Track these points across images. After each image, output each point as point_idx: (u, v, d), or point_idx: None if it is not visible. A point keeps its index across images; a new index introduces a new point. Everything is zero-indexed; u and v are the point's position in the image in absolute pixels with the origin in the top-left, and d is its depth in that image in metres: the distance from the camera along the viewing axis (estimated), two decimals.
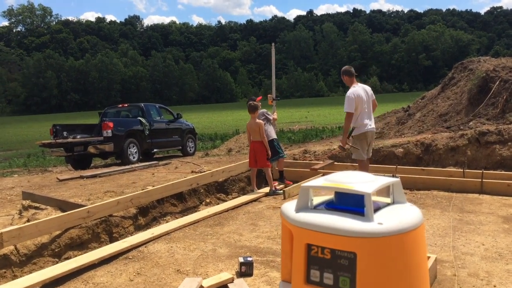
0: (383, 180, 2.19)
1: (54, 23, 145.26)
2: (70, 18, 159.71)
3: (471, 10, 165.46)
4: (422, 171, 7.17)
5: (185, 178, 7.00)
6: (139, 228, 5.88)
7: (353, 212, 1.97)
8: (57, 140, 11.19)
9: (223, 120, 42.51)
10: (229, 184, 7.76)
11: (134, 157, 11.83)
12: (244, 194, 7.46)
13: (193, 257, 4.27)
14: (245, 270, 3.78)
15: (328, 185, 2.12)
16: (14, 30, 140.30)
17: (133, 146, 11.92)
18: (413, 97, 15.37)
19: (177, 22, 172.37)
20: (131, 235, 5.37)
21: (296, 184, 7.16)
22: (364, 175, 2.24)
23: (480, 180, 6.29)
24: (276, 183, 7.50)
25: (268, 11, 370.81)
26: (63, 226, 4.98)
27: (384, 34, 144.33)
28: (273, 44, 9.06)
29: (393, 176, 5.84)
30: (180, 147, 14.18)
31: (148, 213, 6.21)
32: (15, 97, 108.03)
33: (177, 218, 6.15)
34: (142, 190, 6.33)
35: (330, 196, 2.27)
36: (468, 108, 10.61)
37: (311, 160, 8.71)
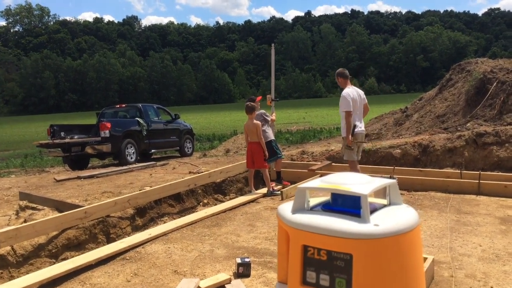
0: (380, 182, 2.19)
1: (52, 23, 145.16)
2: (68, 18, 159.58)
3: (468, 11, 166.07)
4: (419, 172, 7.18)
5: (183, 179, 6.99)
6: (137, 228, 5.87)
7: (349, 214, 1.96)
8: (54, 141, 11.16)
9: (221, 120, 42.51)
10: (227, 185, 7.75)
11: (131, 158, 11.82)
12: (241, 195, 7.46)
13: (190, 258, 4.26)
14: (243, 271, 3.77)
15: (324, 187, 2.12)
16: (11, 30, 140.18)
17: (131, 147, 11.91)
18: (411, 98, 15.41)
19: (175, 23, 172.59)
20: (129, 236, 5.36)
21: (294, 185, 7.16)
22: (360, 176, 2.24)
23: (477, 181, 6.30)
24: (274, 184, 7.49)
25: (266, 12, 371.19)
26: (60, 227, 4.96)
27: (382, 35, 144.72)
28: (272, 44, 9.08)
29: (390, 177, 5.87)
30: (178, 147, 14.17)
31: (145, 213, 6.20)
32: (13, 97, 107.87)
33: (174, 218, 6.14)
34: (139, 190, 6.32)
35: (326, 198, 2.27)
36: (466, 109, 10.64)
37: (308, 161, 8.71)
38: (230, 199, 7.28)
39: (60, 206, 5.88)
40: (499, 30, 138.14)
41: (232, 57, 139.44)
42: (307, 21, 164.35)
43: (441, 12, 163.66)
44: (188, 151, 14.39)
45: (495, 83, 10.24)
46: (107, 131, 11.29)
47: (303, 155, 9.15)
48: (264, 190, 7.21)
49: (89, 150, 11.17)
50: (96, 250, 4.58)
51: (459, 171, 6.88)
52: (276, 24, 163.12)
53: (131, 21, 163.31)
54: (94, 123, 12.68)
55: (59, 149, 11.50)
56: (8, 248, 4.44)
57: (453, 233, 4.63)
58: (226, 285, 3.53)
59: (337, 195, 2.11)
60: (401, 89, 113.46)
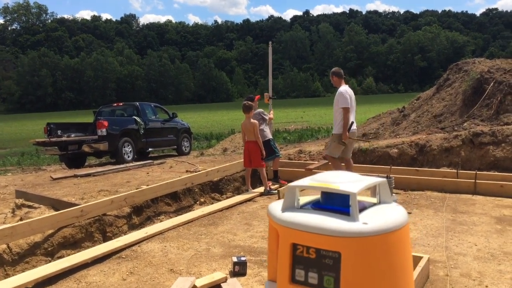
0: (369, 180, 2.20)
1: (49, 21, 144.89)
2: (65, 16, 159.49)
3: (466, 11, 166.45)
4: (416, 171, 7.19)
5: (180, 178, 6.98)
6: (133, 227, 5.86)
7: (339, 212, 1.97)
8: (51, 139, 11.13)
9: (219, 119, 42.50)
10: (224, 183, 7.75)
11: (128, 156, 11.80)
12: (238, 193, 7.46)
13: (186, 257, 4.26)
14: (239, 270, 3.77)
15: (314, 185, 2.12)
16: (9, 28, 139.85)
17: (128, 145, 11.89)
18: (409, 98, 15.43)
19: (173, 21, 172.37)
20: (125, 234, 5.36)
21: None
22: (350, 175, 2.24)
23: (474, 181, 6.32)
24: (271, 183, 7.50)
25: (265, 11, 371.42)
26: (56, 225, 4.96)
27: (380, 35, 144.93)
28: (270, 43, 9.07)
29: (387, 176, 5.88)
30: (175, 146, 14.15)
31: (142, 212, 6.19)
32: (10, 95, 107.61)
33: (171, 217, 6.13)
34: (136, 189, 6.31)
35: (317, 196, 2.27)
36: (463, 109, 10.65)
37: (306, 160, 8.72)
38: (227, 198, 7.28)
39: (56, 204, 5.87)
40: (497, 30, 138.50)
41: (230, 56, 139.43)
42: (305, 21, 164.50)
43: (439, 12, 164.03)
44: (185, 150, 14.38)
45: (492, 83, 10.26)
46: (104, 130, 11.27)
47: (300, 154, 9.15)
48: (261, 189, 7.21)
49: (86, 148, 11.15)
50: (92, 248, 4.58)
51: (456, 170, 6.91)
52: (274, 23, 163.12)
53: (129, 20, 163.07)
54: (91, 122, 12.65)
55: (56, 147, 11.48)
56: (4, 246, 4.44)
57: (449, 232, 4.64)
58: (222, 284, 3.53)
59: (326, 193, 2.12)
60: (399, 89, 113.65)
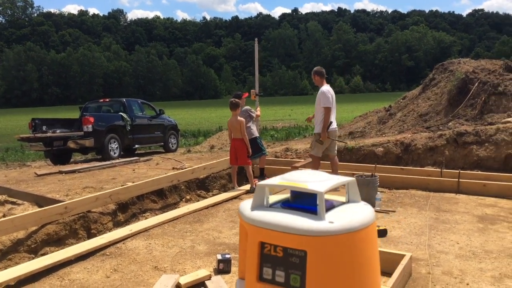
0: (338, 179, 2.21)
1: (35, 15, 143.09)
2: (52, 10, 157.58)
3: (453, 12, 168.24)
4: (401, 170, 7.26)
5: (166, 175, 6.97)
6: (118, 224, 5.83)
7: (307, 211, 1.98)
8: (36, 135, 10.99)
9: (207, 116, 42.37)
10: (210, 181, 7.74)
11: (115, 153, 11.70)
12: (225, 191, 7.46)
13: (171, 254, 4.25)
14: (223, 267, 3.78)
15: (283, 184, 2.13)
16: None
17: (114, 142, 11.78)
18: (396, 97, 15.54)
19: (162, 17, 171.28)
20: (110, 232, 5.33)
21: None
22: (319, 174, 2.26)
23: (457, 180, 6.40)
24: (257, 181, 7.50)
25: (253, 8, 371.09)
26: (39, 222, 4.91)
27: (368, 34, 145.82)
28: (256, 39, 9.09)
29: (372, 175, 5.92)
30: (162, 143, 14.07)
31: (127, 209, 6.16)
32: None
33: (157, 214, 6.12)
34: (121, 186, 6.28)
35: (288, 195, 2.28)
36: (448, 108, 10.77)
37: (292, 158, 8.74)
38: (213, 195, 7.28)
39: (40, 201, 5.81)
40: (483, 31, 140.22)
41: (218, 53, 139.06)
42: (294, 18, 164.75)
43: (427, 12, 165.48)
44: (172, 146, 14.30)
45: (476, 83, 10.39)
46: (90, 126, 11.14)
47: (287, 152, 9.18)
48: (247, 187, 7.22)
49: (71, 144, 11.03)
50: (76, 245, 4.54)
51: (440, 169, 6.98)
52: (263, 20, 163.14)
53: (116, 15, 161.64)
54: (77, 118, 12.51)
55: (41, 143, 11.33)
56: None
57: (432, 230, 4.70)
58: (206, 282, 3.54)
59: (296, 192, 2.13)
60: (386, 88, 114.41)
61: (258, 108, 8.15)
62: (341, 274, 1.90)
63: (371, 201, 5.66)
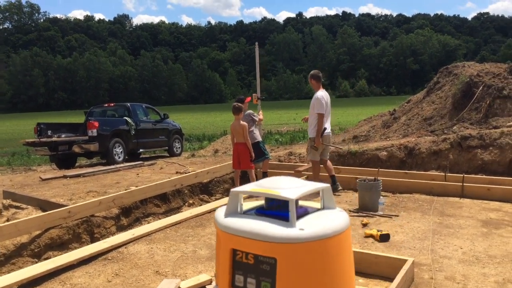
0: (312, 186, 2.19)
1: (42, 20, 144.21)
2: (58, 15, 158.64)
3: (458, 15, 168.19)
4: (405, 174, 7.23)
5: (169, 179, 6.98)
6: (122, 228, 5.84)
7: (280, 218, 1.96)
8: (41, 139, 11.05)
9: (212, 121, 42.45)
10: (214, 185, 7.74)
11: (119, 157, 11.75)
12: (228, 195, 7.44)
13: (173, 259, 4.25)
14: None
15: (256, 191, 2.12)
16: (1, 27, 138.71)
17: (119, 146, 11.83)
18: (401, 101, 15.51)
19: (167, 22, 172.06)
20: (113, 236, 5.33)
21: None
22: (294, 180, 2.23)
23: (461, 184, 6.36)
24: None
25: (258, 13, 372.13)
26: (43, 226, 4.94)
27: (372, 37, 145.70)
28: (256, 43, 9.13)
29: (375, 179, 5.89)
30: (167, 147, 14.11)
31: (131, 213, 6.17)
32: (1, 95, 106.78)
33: (160, 218, 6.12)
34: (125, 190, 6.29)
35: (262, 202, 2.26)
36: (452, 112, 10.73)
37: (295, 163, 8.73)
38: (216, 199, 7.28)
39: (44, 205, 5.84)
40: (488, 34, 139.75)
41: (223, 57, 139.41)
42: (298, 23, 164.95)
43: (431, 15, 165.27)
44: (177, 151, 14.34)
45: (481, 87, 10.35)
46: (94, 130, 11.20)
47: (290, 157, 9.17)
48: None
49: (76, 149, 11.08)
50: (78, 250, 4.55)
51: (444, 173, 6.94)
52: (267, 25, 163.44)
53: (122, 20, 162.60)
54: (82, 122, 12.58)
55: (46, 147, 11.40)
56: None
57: (435, 235, 4.67)
58: (207, 286, 3.53)
59: (270, 199, 2.11)
60: (391, 91, 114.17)
61: (261, 112, 8.16)
62: (312, 281, 1.88)
63: (374, 205, 5.65)
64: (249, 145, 7.06)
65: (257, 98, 8.36)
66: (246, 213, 2.11)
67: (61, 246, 5.11)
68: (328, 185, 2.26)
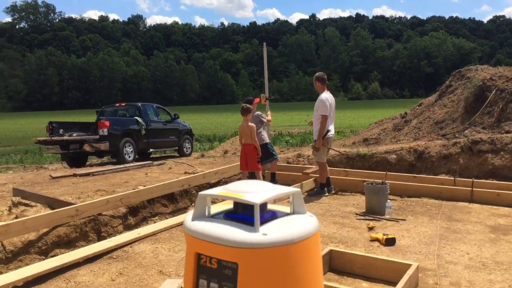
0: (281, 190, 2.17)
1: (57, 20, 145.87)
2: (73, 16, 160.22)
3: (474, 18, 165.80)
4: (413, 178, 7.16)
5: (177, 179, 7.01)
6: (129, 227, 5.87)
7: (247, 222, 1.94)
8: (52, 138, 11.19)
9: (223, 121, 42.54)
10: (221, 186, 7.74)
11: (129, 157, 11.83)
12: None
13: (177, 258, 4.26)
14: None
15: (222, 194, 2.10)
16: (17, 27, 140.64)
17: (129, 146, 11.92)
18: (413, 104, 15.36)
19: (180, 23, 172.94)
20: (120, 235, 5.37)
21: None
22: (262, 184, 2.21)
23: (470, 188, 6.28)
24: None
25: (271, 14, 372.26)
26: (50, 224, 4.98)
27: (386, 40, 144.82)
28: (264, 43, 9.16)
29: (382, 183, 5.85)
30: (177, 147, 14.18)
31: (138, 213, 6.21)
32: (16, 94, 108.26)
33: (167, 218, 6.14)
34: (133, 189, 6.33)
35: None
36: (464, 116, 10.61)
37: (304, 164, 8.71)
38: (223, 200, 7.27)
39: (52, 203, 5.90)
40: (504, 37, 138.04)
41: (236, 58, 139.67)
42: (311, 24, 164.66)
43: (446, 18, 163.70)
44: (187, 151, 14.40)
45: (494, 91, 10.22)
46: (105, 130, 11.30)
47: (299, 158, 9.15)
48: None
49: (87, 148, 11.19)
50: (84, 248, 4.59)
51: (453, 178, 6.87)
52: (280, 26, 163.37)
53: (136, 20, 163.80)
54: (94, 121, 12.70)
55: (57, 146, 11.53)
56: None
57: (442, 240, 4.62)
58: None
59: (238, 203, 2.09)
60: (404, 94, 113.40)
61: (269, 113, 8.15)
62: (274, 286, 1.87)
63: (381, 209, 5.60)
64: (257, 146, 7.07)
65: (265, 99, 8.37)
66: (214, 217, 2.10)
67: (68, 244, 5.15)
68: (299, 189, 2.23)
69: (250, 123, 7.07)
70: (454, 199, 6.34)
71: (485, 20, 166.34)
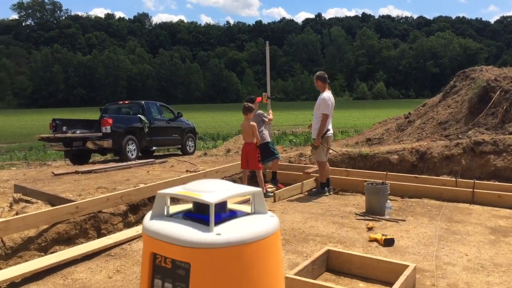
0: (241, 190, 2.15)
1: (63, 18, 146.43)
2: (79, 13, 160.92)
3: (480, 18, 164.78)
4: (415, 178, 7.13)
5: (179, 177, 7.02)
6: (129, 225, 5.89)
7: (204, 222, 1.93)
8: (55, 135, 11.26)
9: (227, 120, 42.57)
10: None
11: (132, 154, 11.86)
12: None
13: None
14: None
15: (180, 193, 2.08)
16: (23, 24, 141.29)
17: (132, 143, 11.95)
18: (418, 104, 15.30)
19: (185, 21, 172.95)
20: (119, 232, 5.38)
21: (287, 187, 7.15)
22: (221, 184, 2.19)
23: (472, 190, 6.25)
24: (268, 185, 7.50)
25: (277, 13, 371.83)
26: (50, 221, 4.99)
27: (392, 39, 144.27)
28: (267, 42, 9.16)
29: (382, 183, 5.83)
30: (180, 146, 14.21)
31: (138, 210, 6.21)
32: (22, 90, 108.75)
33: None
34: (134, 187, 6.34)
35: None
36: (468, 117, 10.56)
37: (306, 164, 8.69)
38: None
39: (53, 200, 5.91)
40: (511, 38, 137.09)
41: (241, 57, 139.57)
42: (317, 23, 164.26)
43: (453, 18, 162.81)
44: (190, 149, 14.42)
45: (498, 92, 10.16)
46: (108, 127, 11.34)
47: (301, 158, 9.13)
48: None
49: (89, 145, 11.23)
50: (82, 245, 4.61)
51: (454, 179, 6.83)
52: (286, 25, 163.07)
53: (141, 18, 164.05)
54: (97, 119, 12.75)
55: (61, 143, 11.58)
56: None
57: (441, 241, 4.60)
58: None
59: (197, 202, 2.08)
60: (409, 95, 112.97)
61: (270, 112, 8.15)
62: (227, 287, 1.86)
63: (381, 209, 5.59)
64: (259, 142, 7.08)
65: (267, 98, 8.36)
66: (173, 216, 2.09)
67: (68, 241, 5.17)
68: (260, 189, 2.20)
69: (251, 122, 7.07)
70: (455, 200, 6.31)
71: (492, 21, 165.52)
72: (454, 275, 3.73)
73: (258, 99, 7.90)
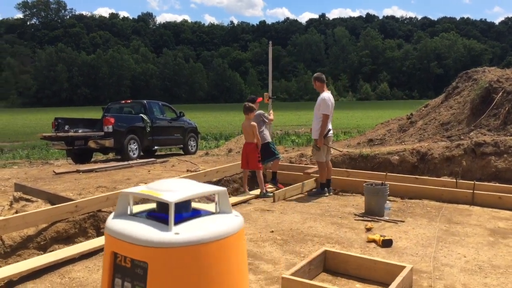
0: (205, 189, 2.14)
1: (68, 17, 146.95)
2: (84, 13, 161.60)
3: (485, 19, 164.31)
4: (415, 179, 7.11)
5: (179, 177, 7.01)
6: None
7: (166, 221, 1.93)
8: (57, 134, 11.29)
9: (230, 120, 42.57)
10: (223, 184, 7.73)
11: (134, 154, 11.88)
12: (237, 195, 7.46)
13: None
14: None
15: (142, 193, 2.08)
16: (28, 23, 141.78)
17: (134, 143, 11.97)
18: (421, 105, 15.25)
19: (189, 21, 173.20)
20: None
21: (287, 187, 7.15)
22: (185, 183, 2.18)
23: (472, 191, 6.23)
24: (268, 185, 7.50)
25: (281, 13, 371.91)
26: (50, 219, 5.01)
27: (396, 40, 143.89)
28: (270, 42, 9.15)
29: (382, 183, 5.82)
30: (182, 145, 14.22)
31: None
32: (26, 89, 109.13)
33: None
34: (134, 186, 6.34)
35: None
36: (470, 118, 10.53)
37: (306, 164, 8.69)
38: None
39: (53, 198, 5.93)
40: None
41: (244, 57, 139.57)
42: (321, 24, 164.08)
43: (457, 19, 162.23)
44: (191, 149, 14.43)
45: (500, 93, 10.12)
46: (110, 126, 11.36)
47: (301, 158, 9.13)
48: (257, 192, 7.21)
49: (91, 144, 11.27)
50: (80, 244, 4.62)
51: (455, 180, 6.81)
52: (290, 25, 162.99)
53: (146, 18, 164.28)
54: (100, 118, 12.78)
55: (63, 142, 11.61)
56: None
57: (440, 242, 4.59)
58: None
59: (159, 201, 2.07)
60: (413, 95, 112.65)
61: (271, 112, 8.15)
62: (185, 286, 1.85)
63: (380, 210, 5.58)
64: (259, 144, 7.08)
65: (268, 97, 8.36)
66: (137, 215, 2.09)
67: (67, 239, 5.18)
68: (224, 188, 2.19)
69: (252, 122, 7.08)
70: (455, 202, 6.29)
71: (496, 22, 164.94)
72: (451, 277, 3.72)
73: (259, 99, 7.91)
